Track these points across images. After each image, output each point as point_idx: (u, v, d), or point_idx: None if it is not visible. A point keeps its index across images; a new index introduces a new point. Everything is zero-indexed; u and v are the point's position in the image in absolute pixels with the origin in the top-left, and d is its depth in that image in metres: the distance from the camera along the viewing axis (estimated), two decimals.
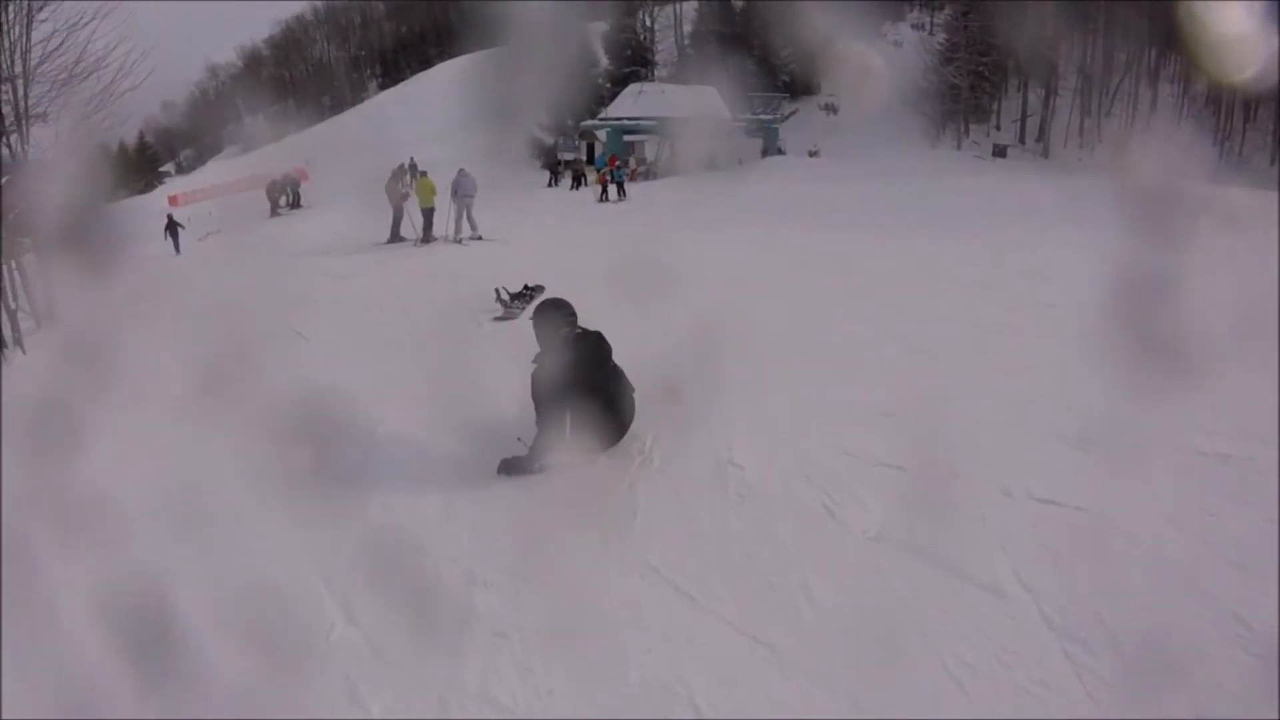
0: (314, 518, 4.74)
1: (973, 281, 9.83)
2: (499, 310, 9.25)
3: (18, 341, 11.45)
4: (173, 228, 21.02)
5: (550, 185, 30.87)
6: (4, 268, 11.76)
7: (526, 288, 9.52)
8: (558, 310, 5.35)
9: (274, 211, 24.27)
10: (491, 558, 4.24)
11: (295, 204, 25.16)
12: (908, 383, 5.90)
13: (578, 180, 28.95)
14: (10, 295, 11.80)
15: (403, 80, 46.76)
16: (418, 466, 5.39)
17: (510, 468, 5.11)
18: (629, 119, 32.83)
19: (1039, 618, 3.61)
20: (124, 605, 4.01)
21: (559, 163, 32.41)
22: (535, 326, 5.33)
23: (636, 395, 5.60)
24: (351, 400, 6.69)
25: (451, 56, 40.43)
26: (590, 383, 5.04)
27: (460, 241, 14.91)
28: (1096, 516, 4.27)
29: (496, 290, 9.49)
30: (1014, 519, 4.32)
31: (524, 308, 8.98)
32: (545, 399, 5.08)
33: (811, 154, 34.83)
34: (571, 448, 5.21)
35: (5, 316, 11.51)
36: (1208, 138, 31.76)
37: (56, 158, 12.91)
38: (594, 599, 3.89)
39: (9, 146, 12.13)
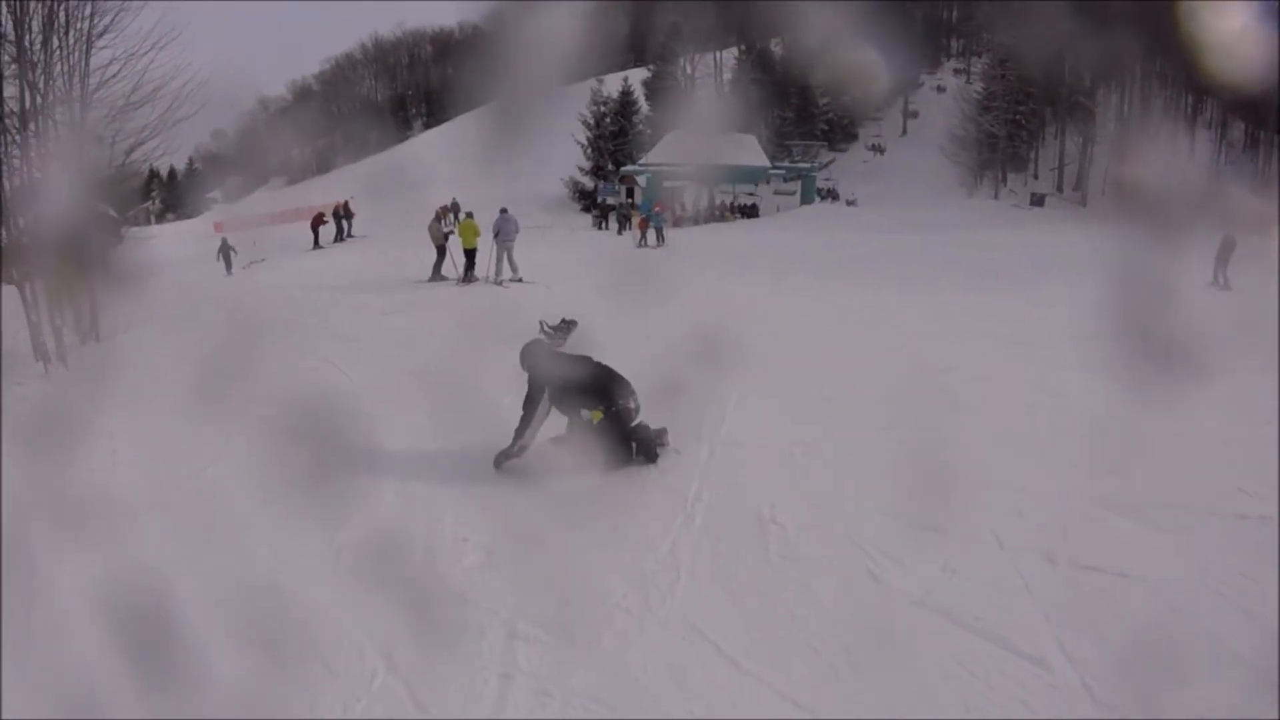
0: (355, 566, 4.81)
1: (1011, 337, 9.77)
2: (543, 339, 9.63)
3: (61, 356, 11.67)
4: (226, 251, 21.71)
5: (602, 228, 30.96)
6: (50, 285, 12.00)
7: (564, 321, 10.42)
8: (536, 344, 6.55)
9: (316, 244, 24.57)
10: (534, 612, 4.26)
11: (340, 236, 25.41)
12: (950, 444, 5.83)
13: (623, 223, 29.04)
14: (56, 311, 12.04)
15: (447, 120, 47.58)
16: (460, 512, 5.44)
17: (499, 460, 5.93)
18: (669, 164, 33.12)
19: (1082, 690, 3.59)
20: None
21: (610, 207, 32.60)
22: (523, 358, 6.33)
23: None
24: (392, 445, 6.78)
25: (496, 99, 41.07)
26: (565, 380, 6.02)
27: (501, 283, 15.05)
28: (1140, 584, 4.25)
29: (540, 323, 10.30)
30: (1058, 587, 4.29)
31: (565, 339, 9.94)
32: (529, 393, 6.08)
33: (849, 203, 34.91)
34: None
35: (50, 331, 11.75)
36: (1245, 184, 31.38)
37: (108, 179, 13.27)
38: (638, 661, 3.90)
39: (68, 167, 12.37)
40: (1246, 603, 4.06)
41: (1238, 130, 33.31)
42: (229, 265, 21.32)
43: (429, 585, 4.56)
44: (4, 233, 11.89)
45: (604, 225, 31.03)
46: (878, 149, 39.28)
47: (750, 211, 33.83)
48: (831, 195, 36.25)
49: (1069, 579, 4.36)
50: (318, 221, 25.31)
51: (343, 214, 26.61)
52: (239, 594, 4.52)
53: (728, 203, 33.96)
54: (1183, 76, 32.20)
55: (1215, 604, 4.09)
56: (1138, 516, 4.98)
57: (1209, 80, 23.53)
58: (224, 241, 22.30)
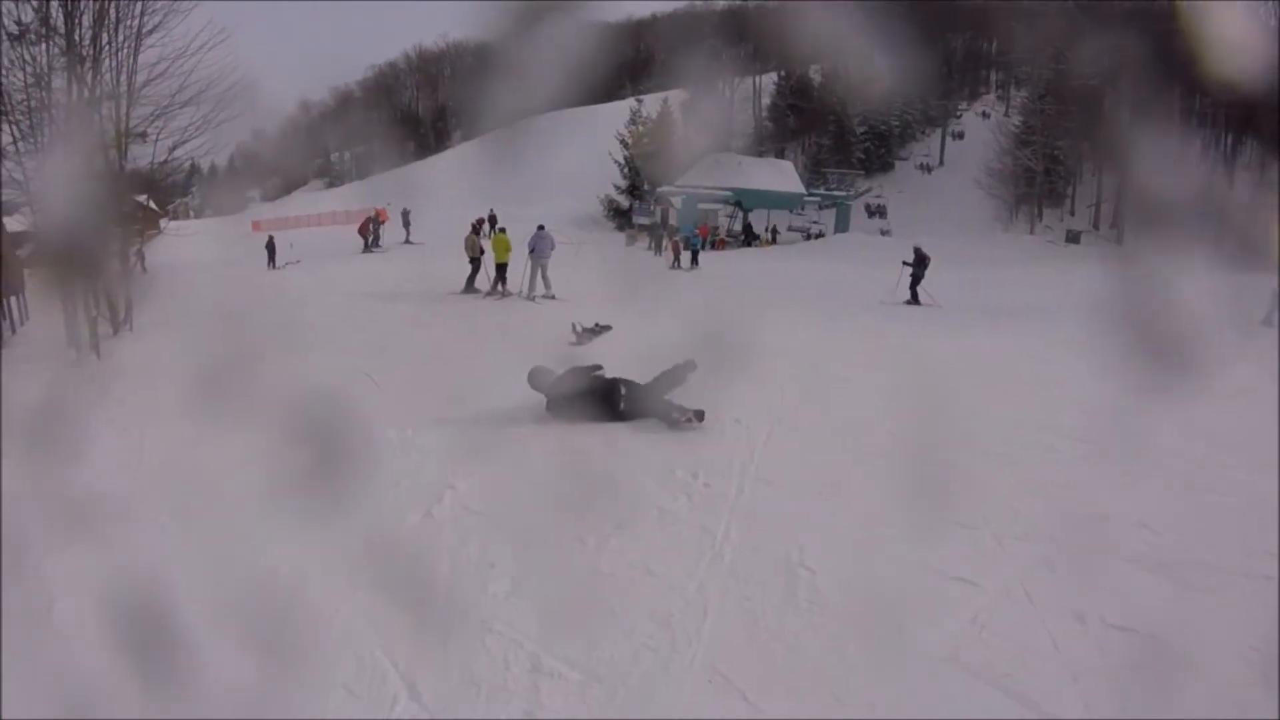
0: (377, 585, 4.82)
1: (1044, 380, 9.69)
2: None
3: (94, 349, 11.87)
4: (271, 246, 22.99)
5: (650, 249, 30.64)
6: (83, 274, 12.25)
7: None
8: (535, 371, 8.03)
9: (366, 248, 24.98)
10: (558, 646, 4.27)
11: (377, 243, 25.62)
12: (983, 493, 5.82)
13: (659, 244, 28.82)
14: (90, 301, 12.26)
15: (487, 132, 47.92)
16: (486, 537, 5.45)
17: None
18: (705, 188, 33.16)
19: None
20: None
21: (645, 226, 32.49)
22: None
23: None
24: (421, 463, 6.82)
25: (536, 113, 41.45)
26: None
27: (533, 299, 15.17)
28: (1169, 646, 4.17)
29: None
30: (1087, 647, 4.25)
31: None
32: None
33: (884, 233, 34.84)
34: None
35: (84, 320, 11.99)
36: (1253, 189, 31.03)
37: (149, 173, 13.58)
38: (662, 702, 3.90)
39: (110, 160, 12.61)
40: (1273, 673, 3.98)
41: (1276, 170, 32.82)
42: (272, 259, 22.51)
43: (453, 610, 4.57)
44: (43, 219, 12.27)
45: (658, 250, 30.54)
46: (925, 168, 39.41)
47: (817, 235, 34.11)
48: (880, 212, 36.50)
49: (1098, 639, 4.30)
50: (365, 228, 25.66)
51: (403, 221, 27.19)
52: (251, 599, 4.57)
53: (765, 228, 34.00)
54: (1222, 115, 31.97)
55: (1243, 673, 4.02)
56: (1170, 575, 4.91)
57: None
58: (270, 238, 23.64)
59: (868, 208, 36.84)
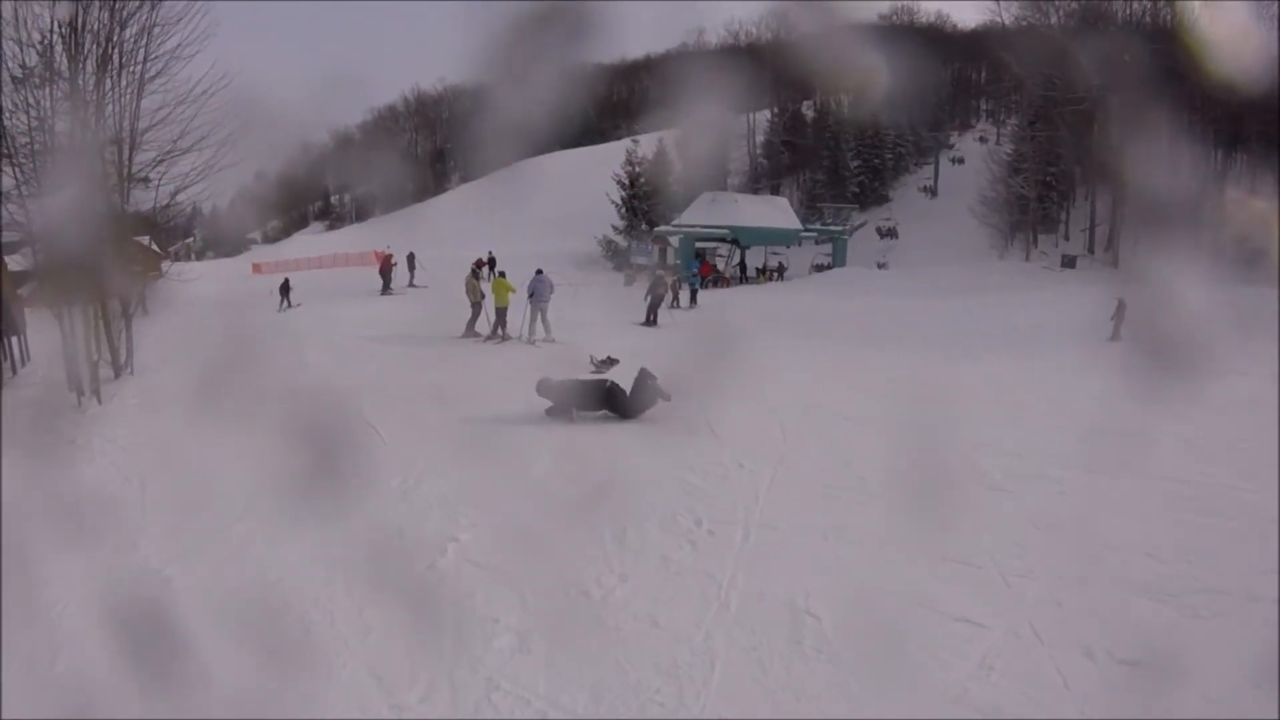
0: (384, 643, 4.84)
1: (1046, 408, 9.71)
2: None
3: (95, 391, 11.86)
4: (285, 289, 23.16)
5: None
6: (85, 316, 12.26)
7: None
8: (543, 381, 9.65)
9: (386, 288, 24.95)
10: (566, 703, 4.24)
11: (386, 288, 25.50)
12: (988, 528, 5.83)
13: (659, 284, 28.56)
14: (91, 344, 12.26)
15: (485, 175, 48.10)
16: (490, 591, 5.40)
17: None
18: (701, 226, 33.24)
19: None
20: None
21: (643, 266, 32.30)
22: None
23: None
24: (424, 513, 6.80)
25: (533, 155, 41.78)
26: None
27: (534, 343, 15.18)
28: (1177, 678, 4.15)
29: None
30: (1095, 683, 4.24)
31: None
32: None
33: (880, 265, 34.99)
34: None
35: (85, 363, 11.97)
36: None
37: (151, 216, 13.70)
38: None
39: (111, 204, 12.69)
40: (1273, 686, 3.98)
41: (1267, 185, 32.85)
42: (282, 301, 22.69)
43: (458, 666, 4.55)
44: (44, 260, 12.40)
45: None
46: (929, 191, 39.93)
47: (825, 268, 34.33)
48: (892, 234, 37.54)
49: (1107, 675, 4.30)
50: (385, 267, 25.64)
51: (408, 264, 27.18)
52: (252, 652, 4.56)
53: (762, 265, 34.02)
54: (1212, 133, 32.12)
55: (1252, 696, 4.03)
56: (1175, 603, 4.92)
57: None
58: (286, 280, 23.93)
59: (879, 230, 37.36)
